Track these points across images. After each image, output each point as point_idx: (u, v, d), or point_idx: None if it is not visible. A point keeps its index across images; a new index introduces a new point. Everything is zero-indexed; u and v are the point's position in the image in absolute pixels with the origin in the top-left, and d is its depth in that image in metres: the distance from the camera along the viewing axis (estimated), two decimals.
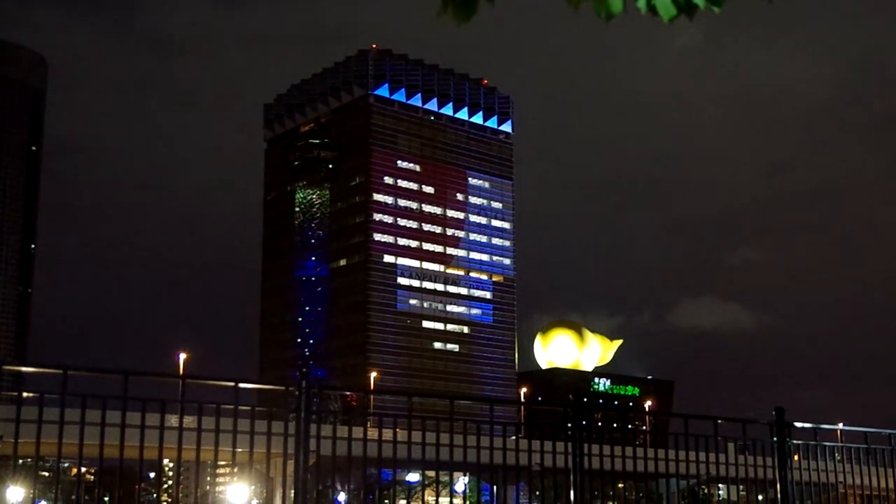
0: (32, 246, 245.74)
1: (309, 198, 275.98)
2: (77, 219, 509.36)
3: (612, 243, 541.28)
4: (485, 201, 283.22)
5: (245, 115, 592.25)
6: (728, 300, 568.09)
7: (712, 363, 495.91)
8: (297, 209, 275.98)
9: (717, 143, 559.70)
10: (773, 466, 15.45)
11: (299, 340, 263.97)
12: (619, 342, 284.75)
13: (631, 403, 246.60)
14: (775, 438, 15.47)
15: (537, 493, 15.64)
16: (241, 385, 12.21)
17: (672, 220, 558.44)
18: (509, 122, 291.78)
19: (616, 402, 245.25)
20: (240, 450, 11.96)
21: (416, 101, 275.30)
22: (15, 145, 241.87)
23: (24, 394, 11.05)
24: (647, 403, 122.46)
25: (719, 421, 15.64)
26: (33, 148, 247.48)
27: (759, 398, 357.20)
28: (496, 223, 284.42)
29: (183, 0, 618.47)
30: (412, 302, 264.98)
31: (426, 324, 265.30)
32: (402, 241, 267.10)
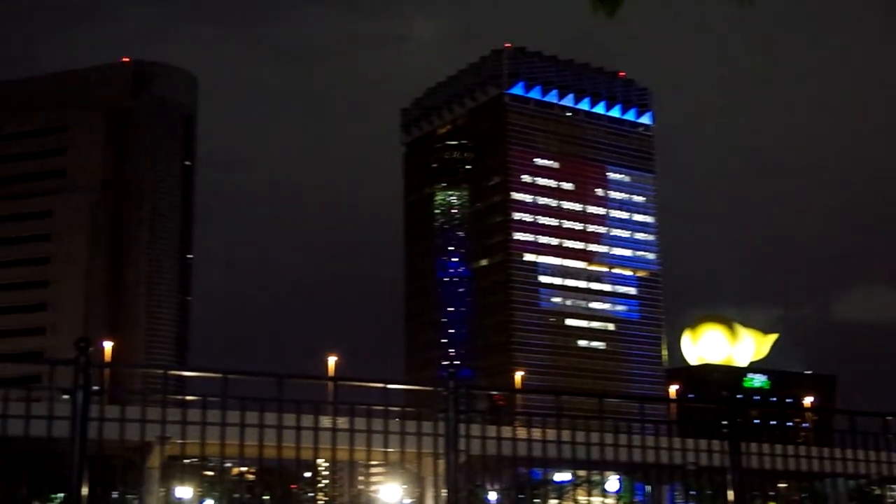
0: (189, 256, 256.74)
1: (448, 199, 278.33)
2: (229, 229, 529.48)
3: (766, 233, 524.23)
4: (626, 196, 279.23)
5: (383, 121, 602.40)
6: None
7: (879, 357, 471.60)
8: (437, 211, 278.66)
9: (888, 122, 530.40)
10: None
11: (444, 341, 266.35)
12: (774, 337, 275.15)
13: (790, 399, 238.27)
14: None
15: (691, 492, 15.28)
16: (390, 386, 12.38)
17: (831, 206, 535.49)
18: (649, 113, 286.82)
19: (774, 399, 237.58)
20: (391, 450, 12.14)
21: (552, 97, 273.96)
22: (170, 162, 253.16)
23: (188, 397, 11.50)
24: (808, 400, 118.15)
25: (888, 418, 14.89)
26: (187, 163, 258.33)
27: None
28: (638, 218, 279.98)
29: (318, 10, 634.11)
30: (555, 300, 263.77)
31: (570, 322, 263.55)
32: (542, 240, 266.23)
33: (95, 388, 9.86)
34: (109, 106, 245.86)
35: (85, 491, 9.74)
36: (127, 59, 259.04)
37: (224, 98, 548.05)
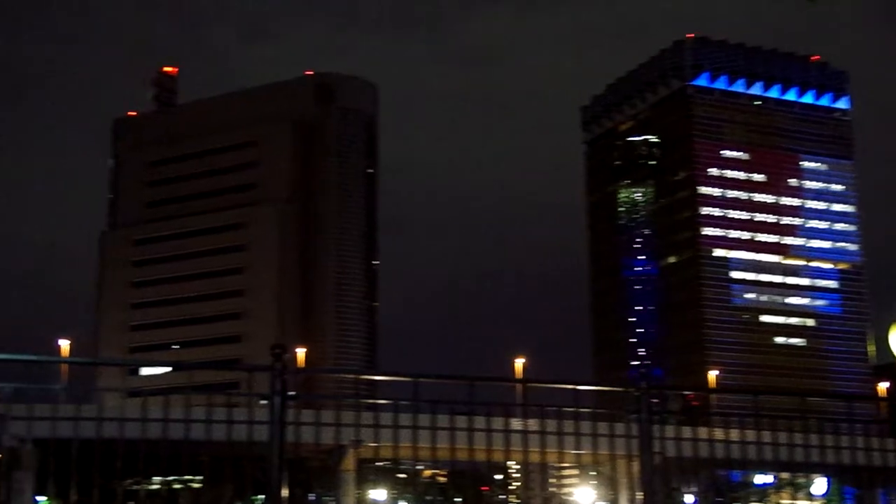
0: (375, 262, 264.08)
1: (632, 196, 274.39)
2: (412, 233, 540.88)
3: None
4: (822, 185, 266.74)
5: (561, 119, 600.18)
6: None
7: None
8: (621, 209, 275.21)
9: None
10: None
11: (633, 340, 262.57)
12: None
13: None
14: None
15: None
16: (580, 387, 12.20)
17: None
18: (845, 98, 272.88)
19: None
20: (583, 452, 11.95)
21: (739, 86, 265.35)
22: (354, 170, 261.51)
23: (380, 401, 11.69)
24: None
25: None
26: (370, 170, 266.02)
27: None
28: (837, 207, 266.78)
29: (494, 11, 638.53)
30: (748, 296, 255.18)
31: (765, 318, 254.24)
32: (733, 234, 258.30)
33: (291, 393, 10.13)
34: (295, 118, 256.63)
35: (285, 493, 10.03)
36: (310, 72, 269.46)
37: (404, 103, 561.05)
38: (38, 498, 73.26)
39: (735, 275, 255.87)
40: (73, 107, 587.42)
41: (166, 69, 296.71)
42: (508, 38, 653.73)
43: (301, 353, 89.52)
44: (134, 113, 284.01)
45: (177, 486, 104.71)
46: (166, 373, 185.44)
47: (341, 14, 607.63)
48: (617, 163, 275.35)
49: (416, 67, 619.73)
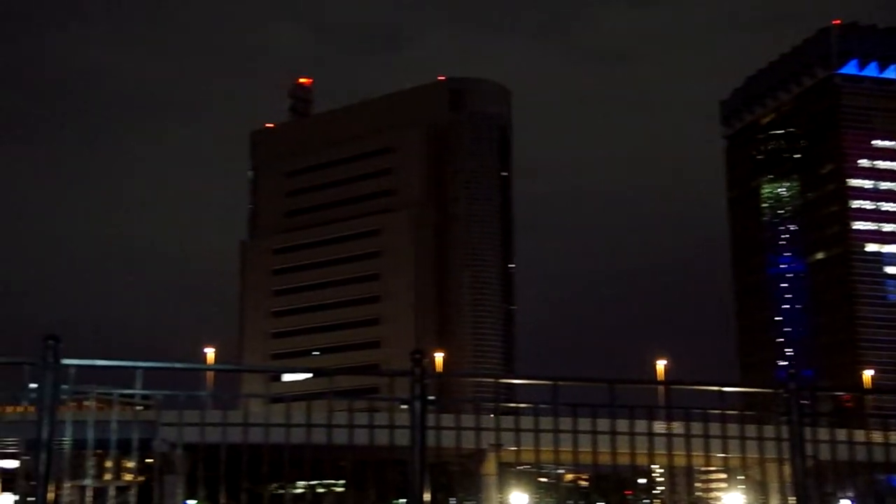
0: (511, 265, 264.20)
1: (776, 191, 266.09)
2: (549, 235, 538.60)
3: None
4: None
5: (699, 114, 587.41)
6: None
7: None
8: (765, 204, 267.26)
9: None
10: None
11: (780, 340, 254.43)
12: None
13: None
14: None
15: None
16: (726, 389, 11.88)
17: None
18: None
19: None
20: (730, 455, 11.64)
21: (892, 73, 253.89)
22: (488, 173, 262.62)
23: (520, 405, 11.62)
24: None
25: None
26: (504, 173, 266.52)
27: None
28: None
29: (623, 9, 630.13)
30: None
31: None
32: (886, 227, 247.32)
33: (431, 397, 10.17)
34: (428, 124, 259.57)
35: (427, 496, 10.06)
36: (443, 78, 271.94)
37: (538, 105, 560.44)
38: (189, 501, 76.21)
39: (890, 270, 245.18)
40: (212, 121, 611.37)
41: (301, 80, 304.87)
42: (642, 36, 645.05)
43: (438, 357, 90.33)
44: (271, 125, 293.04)
45: (320, 490, 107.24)
46: (307, 379, 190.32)
47: (473, 19, 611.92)
48: (759, 157, 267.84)
49: (549, 69, 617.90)
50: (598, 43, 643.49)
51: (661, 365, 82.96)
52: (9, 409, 10.79)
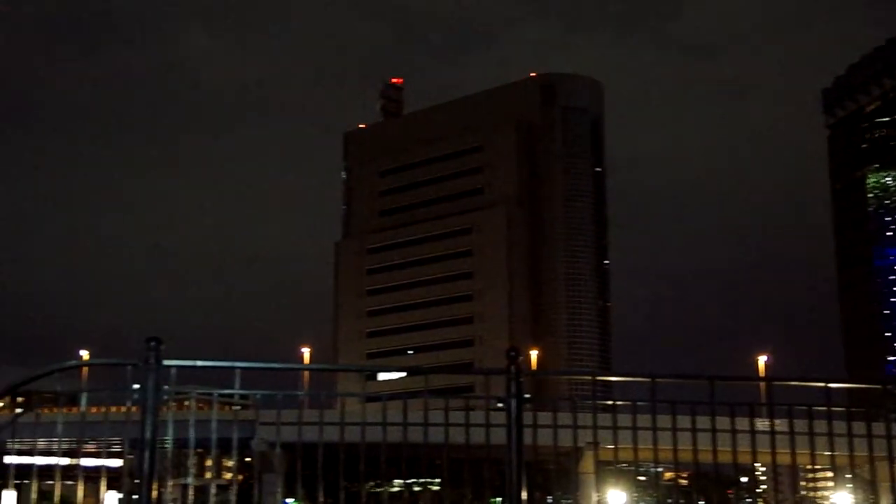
0: (606, 262, 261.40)
1: (882, 181, 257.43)
2: (641, 230, 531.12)
3: None
4: None
5: (799, 104, 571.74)
6: None
7: None
8: (870, 195, 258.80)
9: None
10: None
11: (888, 335, 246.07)
12: None
13: None
14: None
15: None
16: (832, 385, 11.49)
17: None
18: None
19: None
20: (837, 453, 11.27)
21: None
22: (581, 169, 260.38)
23: (618, 402, 11.46)
24: None
25: None
26: (597, 169, 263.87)
27: None
28: None
29: (716, 2, 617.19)
30: None
31: None
32: None
33: (527, 395, 10.09)
34: (520, 121, 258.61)
35: (524, 495, 9.99)
36: (534, 74, 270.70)
37: (631, 99, 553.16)
38: (287, 500, 77.45)
39: None
40: (307, 123, 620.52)
41: (393, 80, 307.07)
42: (733, 26, 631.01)
43: (534, 355, 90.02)
44: (363, 125, 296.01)
45: (416, 488, 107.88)
46: (402, 378, 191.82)
47: (563, 14, 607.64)
48: (863, 146, 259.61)
49: (640, 62, 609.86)
50: (688, 33, 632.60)
51: (762, 361, 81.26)
52: (113, 409, 11.08)
